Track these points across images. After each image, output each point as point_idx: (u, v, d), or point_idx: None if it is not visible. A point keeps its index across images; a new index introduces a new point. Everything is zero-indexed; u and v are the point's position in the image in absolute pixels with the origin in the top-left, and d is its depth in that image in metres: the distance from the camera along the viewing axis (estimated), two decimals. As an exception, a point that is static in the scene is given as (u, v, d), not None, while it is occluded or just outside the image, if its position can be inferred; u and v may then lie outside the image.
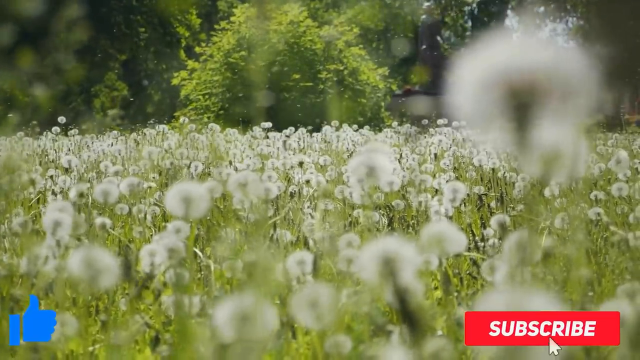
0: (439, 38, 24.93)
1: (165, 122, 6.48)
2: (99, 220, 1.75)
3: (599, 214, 2.03)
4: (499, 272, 1.00)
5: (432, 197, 3.00)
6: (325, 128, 6.63)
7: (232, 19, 18.52)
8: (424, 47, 23.94)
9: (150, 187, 3.19)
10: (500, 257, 1.14)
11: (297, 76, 16.59)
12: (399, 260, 0.67)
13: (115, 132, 7.41)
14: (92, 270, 0.87)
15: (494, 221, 2.03)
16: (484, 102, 0.52)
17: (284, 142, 3.50)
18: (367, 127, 8.79)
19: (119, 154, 4.18)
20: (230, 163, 3.56)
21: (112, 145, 5.00)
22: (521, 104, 0.52)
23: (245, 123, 7.51)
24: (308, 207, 3.11)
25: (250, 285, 0.68)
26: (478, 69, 0.53)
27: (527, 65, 0.52)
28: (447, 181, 3.48)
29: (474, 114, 0.53)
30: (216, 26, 18.83)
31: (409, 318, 0.66)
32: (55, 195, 2.81)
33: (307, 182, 2.78)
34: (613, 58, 34.16)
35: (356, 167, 1.02)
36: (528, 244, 0.93)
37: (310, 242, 2.00)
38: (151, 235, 2.66)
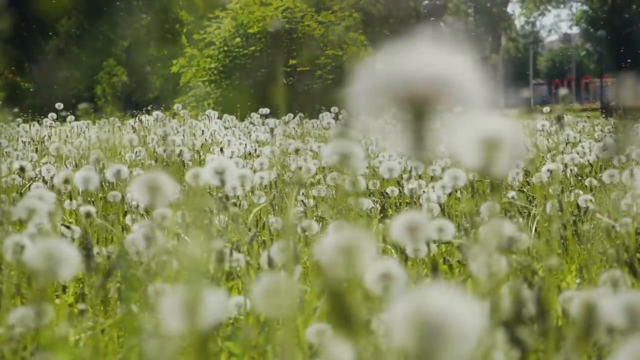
0: (441, 24, 24.84)
1: (162, 108, 6.46)
2: (83, 209, 1.74)
3: (587, 201, 2.02)
4: (474, 260, 0.99)
5: (428, 184, 2.99)
6: (323, 114, 6.62)
7: (229, 6, 18.45)
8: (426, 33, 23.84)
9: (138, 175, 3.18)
10: (478, 244, 1.13)
11: (294, 61, 16.53)
12: (358, 249, 0.67)
13: (114, 118, 7.40)
14: (51, 262, 0.86)
15: (483, 209, 2.02)
16: (379, 108, 0.54)
17: (272, 129, 3.48)
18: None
19: (108, 143, 4.17)
20: (222, 150, 3.56)
21: (108, 132, 4.99)
22: (416, 109, 0.54)
23: (244, 109, 7.49)
24: (302, 194, 3.10)
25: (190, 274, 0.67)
26: (375, 77, 0.54)
27: (422, 73, 0.53)
28: (442, 168, 3.47)
29: (370, 121, 0.55)
30: (210, 15, 18.76)
31: (341, 311, 0.65)
32: (46, 182, 2.80)
33: (300, 168, 2.76)
34: (616, 44, 34.04)
35: (330, 155, 1.01)
36: (502, 231, 0.91)
37: (298, 230, 1.99)
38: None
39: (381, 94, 0.53)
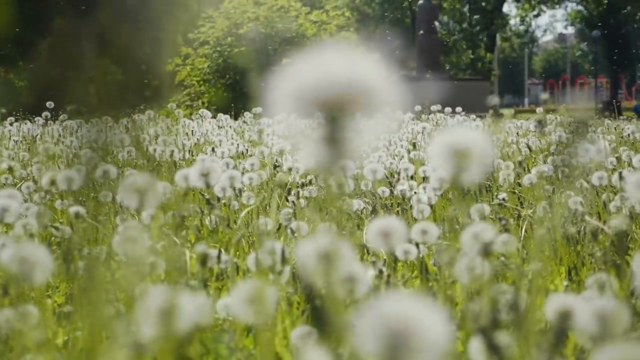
0: (436, 23, 24.82)
1: (156, 107, 6.45)
2: (73, 209, 1.74)
3: (578, 203, 2.02)
4: (459, 263, 0.99)
5: (419, 184, 2.99)
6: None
7: (222, 5, 18.46)
8: (421, 32, 23.82)
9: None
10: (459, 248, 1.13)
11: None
12: (337, 256, 0.66)
13: (107, 117, 7.38)
14: (25, 266, 0.86)
15: (472, 211, 2.02)
16: (297, 115, 0.55)
17: (260, 130, 3.48)
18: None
19: (99, 143, 4.15)
20: (214, 150, 3.56)
21: (100, 131, 4.97)
22: (331, 115, 0.54)
23: (238, 108, 7.48)
24: (293, 194, 3.09)
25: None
26: (290, 85, 0.55)
27: (334, 79, 0.54)
28: (434, 169, 3.47)
29: (290, 128, 0.56)
30: (203, 15, 18.78)
31: (317, 315, 0.65)
32: (36, 182, 2.79)
33: (290, 169, 2.76)
34: (611, 44, 34.11)
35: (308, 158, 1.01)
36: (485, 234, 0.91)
37: (288, 231, 1.99)
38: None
39: (297, 99, 0.53)
